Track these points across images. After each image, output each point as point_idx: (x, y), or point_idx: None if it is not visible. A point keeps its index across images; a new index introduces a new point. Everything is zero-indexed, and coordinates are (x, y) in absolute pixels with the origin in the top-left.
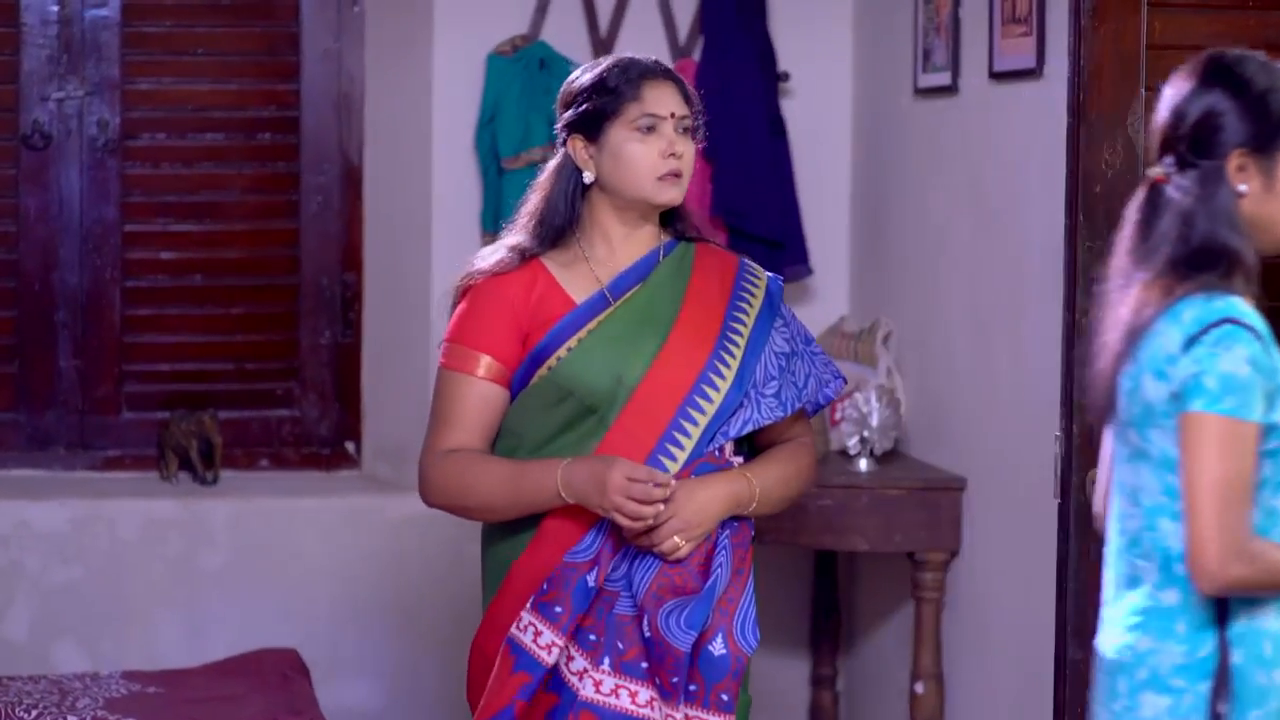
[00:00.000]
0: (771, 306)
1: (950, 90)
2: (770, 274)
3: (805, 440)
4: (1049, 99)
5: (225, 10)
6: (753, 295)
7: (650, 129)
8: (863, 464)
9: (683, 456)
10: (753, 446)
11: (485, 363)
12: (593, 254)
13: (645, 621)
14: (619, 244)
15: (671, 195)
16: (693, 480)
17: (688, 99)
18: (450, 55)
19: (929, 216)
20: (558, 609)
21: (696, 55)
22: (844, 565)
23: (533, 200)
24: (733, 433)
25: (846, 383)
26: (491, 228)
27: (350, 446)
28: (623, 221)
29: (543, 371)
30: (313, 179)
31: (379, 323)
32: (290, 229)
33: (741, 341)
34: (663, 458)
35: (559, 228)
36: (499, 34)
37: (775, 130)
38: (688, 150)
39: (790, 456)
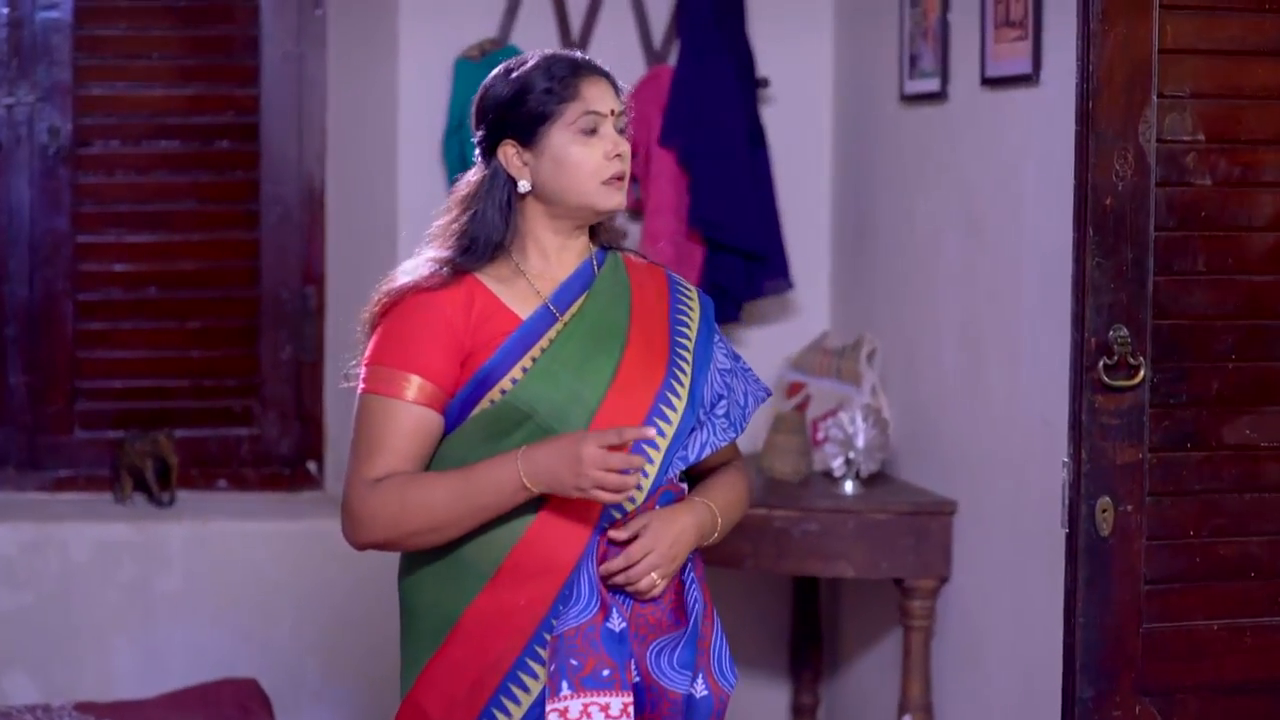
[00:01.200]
0: (708, 322)
1: (939, 97)
2: (698, 288)
3: (740, 463)
4: (1047, 106)
5: (182, 12)
6: (690, 309)
7: (592, 130)
8: (848, 486)
9: (647, 485)
10: (687, 472)
11: (415, 385)
12: (528, 267)
13: (633, 665)
14: (554, 255)
15: (618, 200)
16: (664, 512)
17: (619, 94)
18: (416, 60)
19: (916, 228)
20: (605, 672)
21: (672, 60)
22: (825, 589)
23: (455, 216)
24: (692, 457)
25: (770, 394)
26: None
27: (312, 466)
28: (557, 231)
29: (493, 395)
30: (272, 188)
31: (342, 338)
32: (249, 240)
33: (689, 358)
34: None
35: (496, 244)
36: (467, 38)
37: (754, 138)
38: (626, 149)
39: (734, 482)
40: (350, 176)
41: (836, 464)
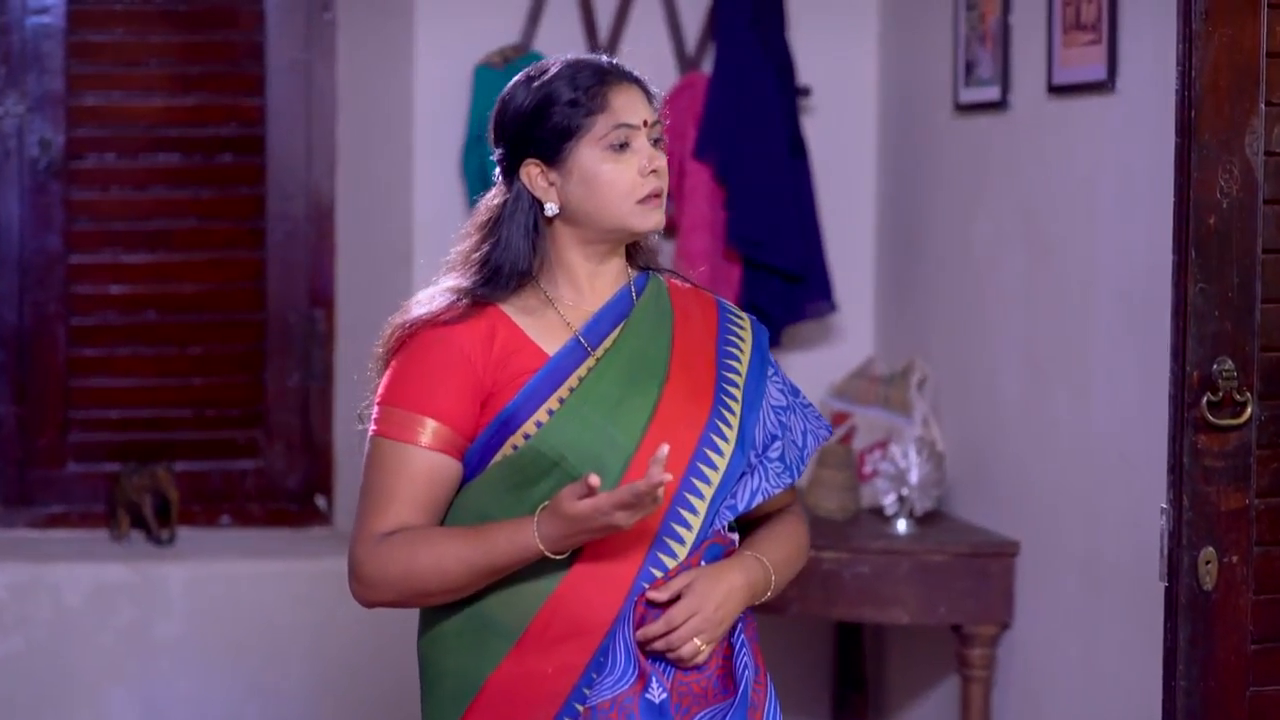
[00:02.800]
0: (762, 353)
1: (999, 106)
2: (751, 315)
3: (798, 509)
4: (1124, 116)
5: (182, 17)
6: (741, 340)
7: (623, 145)
8: (901, 525)
9: (690, 538)
10: (739, 520)
11: (430, 429)
12: (558, 296)
13: None
14: (587, 283)
15: (656, 220)
16: (710, 570)
17: (654, 103)
18: (434, 68)
19: (973, 248)
20: None
21: (707, 67)
22: (870, 634)
23: (476, 243)
24: (742, 506)
25: (831, 433)
26: None
27: (321, 501)
28: (589, 256)
29: (516, 440)
30: (279, 205)
31: (353, 364)
32: (254, 260)
33: (739, 395)
34: (669, 540)
35: (521, 272)
36: (488, 44)
37: (795, 150)
38: (664, 163)
39: (791, 532)
40: (362, 192)
41: (888, 501)
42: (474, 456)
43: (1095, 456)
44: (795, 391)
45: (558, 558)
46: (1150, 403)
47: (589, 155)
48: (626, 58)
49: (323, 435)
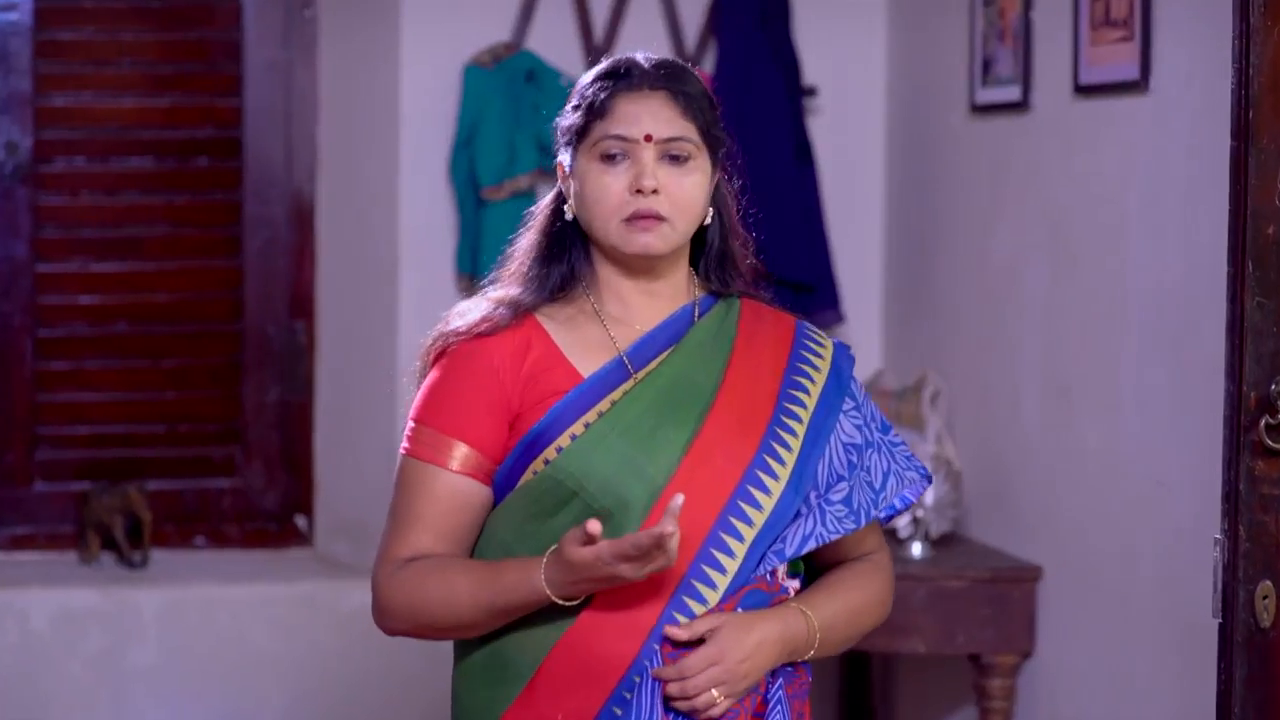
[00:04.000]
0: (840, 383)
1: (1020, 107)
2: (838, 341)
3: (880, 559)
4: (1157, 117)
5: (155, 14)
6: (814, 369)
7: (613, 156)
8: (916, 549)
9: (723, 583)
10: (810, 564)
11: (461, 453)
12: (606, 311)
13: None
14: (635, 300)
15: (642, 244)
16: (740, 617)
17: (692, 113)
18: (420, 67)
19: (991, 257)
20: None
21: (708, 66)
22: (879, 663)
23: (527, 237)
24: (790, 552)
25: (931, 481)
26: (468, 269)
27: (301, 522)
28: (627, 273)
29: (537, 465)
30: (258, 210)
31: (334, 378)
32: (231, 268)
33: (800, 429)
34: (698, 584)
35: (563, 278)
36: (477, 42)
37: (801, 154)
38: (675, 184)
39: (862, 582)
40: (345, 197)
41: (903, 523)
42: (501, 480)
43: (1127, 479)
44: (885, 427)
45: (568, 604)
46: (1188, 424)
47: (585, 162)
48: (621, 52)
49: (303, 452)
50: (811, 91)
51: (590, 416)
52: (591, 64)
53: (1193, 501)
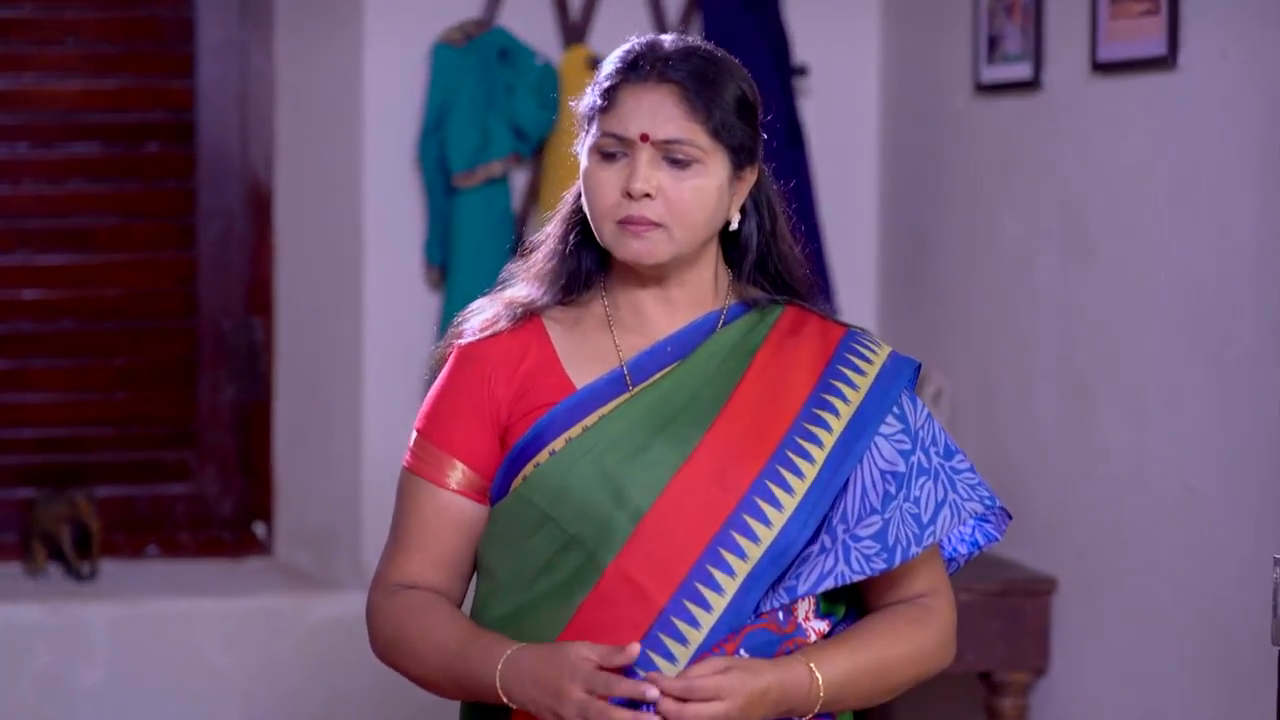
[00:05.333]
0: (883, 401)
1: (1030, 86)
2: (895, 353)
3: (934, 603)
4: (1188, 96)
5: None
6: (850, 386)
7: (611, 154)
8: None
9: (708, 621)
10: (861, 604)
11: (460, 471)
12: (617, 318)
13: None
14: (650, 308)
15: (635, 251)
16: (750, 663)
17: (703, 113)
18: (385, 45)
19: (998, 246)
20: None
21: None
22: None
23: (548, 230)
24: (804, 589)
25: (1012, 518)
26: (438, 260)
27: (260, 529)
28: (636, 278)
29: (517, 482)
30: (212, 199)
31: (295, 377)
32: (184, 261)
33: (819, 453)
34: (679, 621)
35: (570, 273)
36: (446, 18)
37: (792, 138)
38: (674, 188)
39: (898, 631)
40: (306, 184)
41: None
42: (494, 498)
43: (1153, 484)
44: (949, 452)
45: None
46: (1223, 425)
47: (586, 155)
48: (601, 33)
49: (261, 456)
50: (802, 71)
51: (575, 432)
52: (567, 42)
53: (1228, 509)
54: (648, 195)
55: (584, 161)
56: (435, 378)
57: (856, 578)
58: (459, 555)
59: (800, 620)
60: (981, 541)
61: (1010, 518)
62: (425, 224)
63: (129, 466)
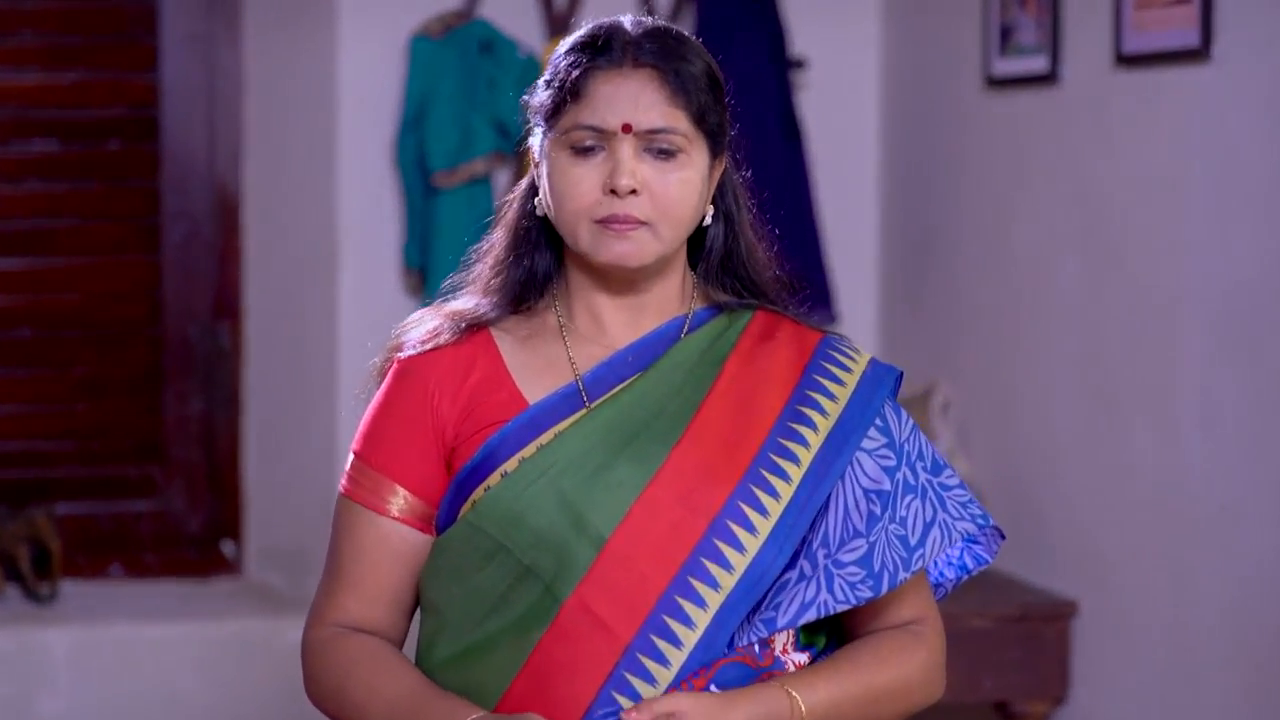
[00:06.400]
0: (864, 412)
1: (1047, 79)
2: (875, 360)
3: (923, 630)
4: (1223, 90)
5: None
6: (827, 396)
7: (588, 148)
8: None
9: (679, 659)
10: (843, 632)
11: (401, 498)
12: (572, 328)
13: None
14: (611, 316)
15: (619, 254)
16: (711, 698)
17: (683, 98)
18: (361, 38)
19: (1011, 249)
20: None
21: None
22: None
23: (493, 236)
24: (784, 621)
25: (1005, 538)
26: (417, 264)
27: (229, 548)
28: (603, 284)
29: (465, 509)
30: (177, 200)
31: (265, 388)
32: (148, 265)
33: (795, 471)
34: (646, 659)
35: (521, 282)
36: (425, 9)
37: (789, 133)
38: (659, 182)
39: (887, 658)
40: (276, 185)
41: None
42: (439, 527)
43: (1184, 502)
44: (937, 467)
45: None
46: (1261, 444)
47: (554, 151)
48: (585, 20)
49: (229, 471)
50: (800, 63)
51: (529, 451)
52: (552, 33)
53: (1267, 530)
54: (633, 191)
55: (546, 159)
56: (373, 394)
57: (841, 608)
58: (402, 589)
59: (778, 653)
60: (971, 565)
61: (1003, 537)
62: (403, 226)
63: (90, 482)
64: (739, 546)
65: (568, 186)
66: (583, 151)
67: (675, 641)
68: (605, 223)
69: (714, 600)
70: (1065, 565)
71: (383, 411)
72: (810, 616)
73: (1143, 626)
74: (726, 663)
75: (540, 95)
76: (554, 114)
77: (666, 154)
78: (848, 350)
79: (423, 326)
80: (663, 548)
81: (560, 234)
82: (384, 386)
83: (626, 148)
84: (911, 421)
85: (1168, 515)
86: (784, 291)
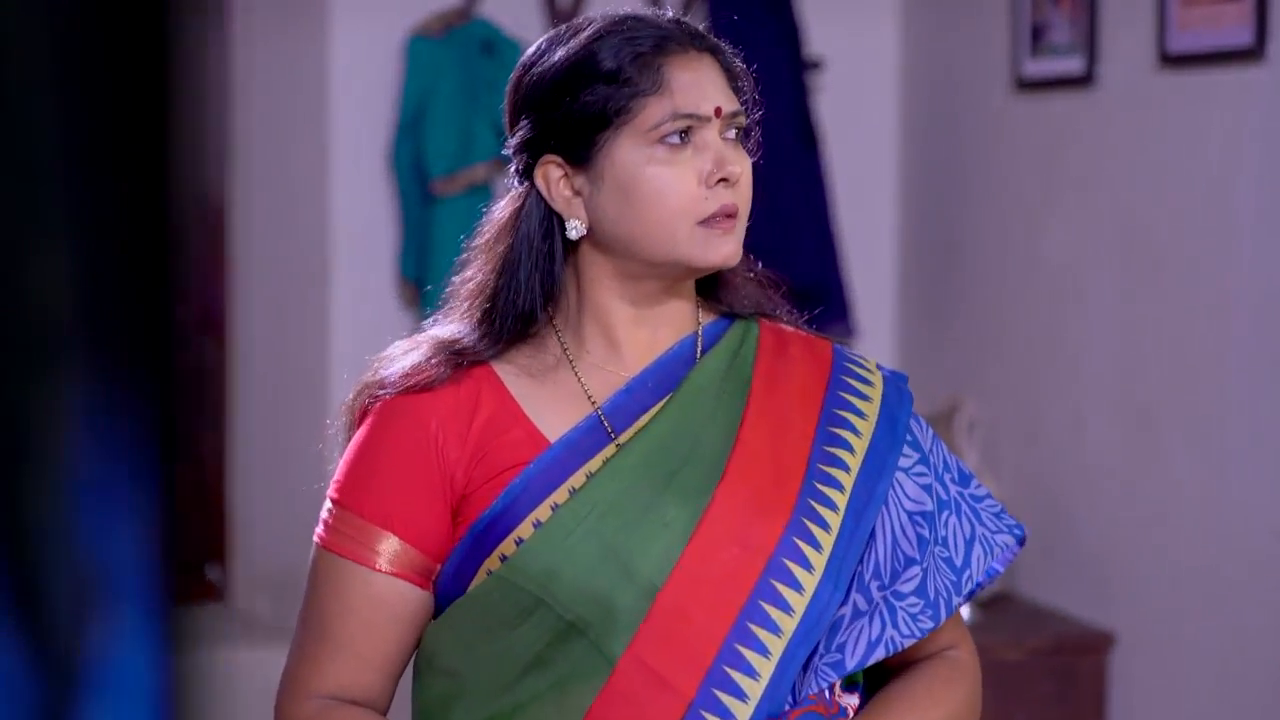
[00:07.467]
0: (894, 430)
1: (1083, 81)
2: (888, 371)
3: (961, 656)
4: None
5: None
6: (857, 415)
7: (682, 140)
8: (964, 613)
9: (745, 713)
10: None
11: (391, 548)
12: (580, 353)
13: None
14: (626, 334)
15: (726, 252)
16: None
17: (735, 82)
18: (355, 37)
19: (1044, 259)
20: None
21: None
22: None
23: (476, 269)
24: (852, 664)
25: (1025, 540)
26: (413, 275)
27: (214, 573)
28: (633, 298)
29: (492, 564)
30: None
31: (252, 407)
32: None
33: (841, 498)
34: (711, 716)
35: (527, 315)
36: (423, 7)
37: (806, 139)
38: (744, 168)
39: (941, 693)
40: (264, 192)
41: None
42: (447, 584)
43: (1228, 530)
44: (964, 478)
45: None
46: None
47: (630, 154)
48: (592, 13)
49: (214, 491)
50: (817, 65)
51: (560, 496)
52: None
53: None
54: (727, 181)
55: (616, 161)
56: (348, 436)
57: (908, 642)
58: (391, 651)
59: (839, 698)
60: (996, 572)
61: (1025, 540)
62: (399, 235)
63: None
64: (797, 586)
65: (665, 185)
66: (676, 145)
67: (740, 695)
68: (710, 221)
69: (776, 646)
70: (1102, 595)
71: (370, 455)
72: (879, 655)
73: (1185, 660)
74: (801, 714)
75: (592, 96)
76: (623, 112)
77: (738, 138)
78: (861, 362)
79: (409, 358)
80: (718, 592)
81: (629, 246)
82: (368, 427)
83: (714, 134)
84: (931, 430)
85: (1212, 541)
86: (771, 287)
